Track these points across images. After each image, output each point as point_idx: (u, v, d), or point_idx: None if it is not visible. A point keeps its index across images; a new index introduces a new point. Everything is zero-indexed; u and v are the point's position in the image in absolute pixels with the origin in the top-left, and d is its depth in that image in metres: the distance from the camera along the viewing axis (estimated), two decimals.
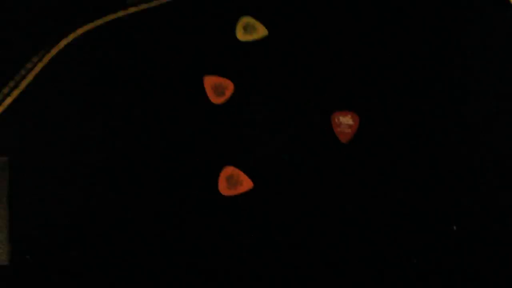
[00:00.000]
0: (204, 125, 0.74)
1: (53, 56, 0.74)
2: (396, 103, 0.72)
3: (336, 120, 0.72)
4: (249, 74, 0.74)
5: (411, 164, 0.72)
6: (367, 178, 0.72)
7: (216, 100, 0.73)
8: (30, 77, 0.74)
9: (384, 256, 0.71)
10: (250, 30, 0.74)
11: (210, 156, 0.73)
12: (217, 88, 0.74)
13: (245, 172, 0.72)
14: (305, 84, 0.74)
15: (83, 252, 0.72)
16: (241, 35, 0.74)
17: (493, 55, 0.73)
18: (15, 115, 0.74)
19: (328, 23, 0.74)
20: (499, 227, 0.71)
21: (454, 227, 0.70)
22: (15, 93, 0.74)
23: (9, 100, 0.74)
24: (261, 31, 0.74)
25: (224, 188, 0.72)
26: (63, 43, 0.74)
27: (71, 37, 0.74)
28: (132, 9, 0.74)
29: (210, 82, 0.74)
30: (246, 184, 0.72)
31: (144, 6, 0.74)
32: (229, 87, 0.73)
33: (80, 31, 0.74)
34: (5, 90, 0.74)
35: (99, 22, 0.74)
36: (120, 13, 0.75)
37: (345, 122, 0.72)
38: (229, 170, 0.72)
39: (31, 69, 0.74)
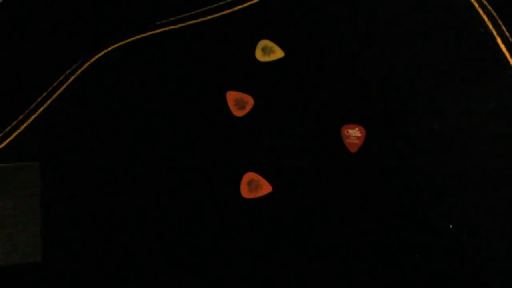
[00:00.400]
0: (227, 135, 0.75)
1: (84, 69, 0.77)
2: (398, 118, 0.72)
3: (346, 132, 0.73)
4: (267, 90, 0.75)
5: (412, 170, 0.71)
6: (372, 183, 0.72)
7: (238, 113, 0.75)
8: (62, 88, 0.77)
9: (393, 261, 0.70)
10: (268, 52, 0.75)
11: (233, 163, 0.74)
12: (239, 102, 0.75)
13: (263, 177, 0.73)
14: (317, 100, 0.74)
15: (118, 254, 0.74)
16: (260, 56, 0.75)
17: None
18: (47, 124, 0.75)
19: (337, 48, 0.74)
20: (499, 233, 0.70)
21: (450, 226, 0.69)
22: (48, 102, 0.76)
23: (40, 109, 0.76)
24: (278, 53, 0.75)
25: (245, 192, 0.74)
26: (94, 58, 0.77)
27: (102, 53, 0.77)
28: (160, 30, 0.77)
29: (232, 97, 0.75)
30: (265, 187, 0.74)
31: (171, 27, 0.77)
32: (250, 101, 0.75)
33: (111, 47, 0.77)
34: (38, 100, 0.77)
35: (130, 39, 0.77)
36: (149, 33, 0.77)
37: (354, 134, 0.73)
38: (249, 176, 0.74)
39: (64, 80, 0.77)
